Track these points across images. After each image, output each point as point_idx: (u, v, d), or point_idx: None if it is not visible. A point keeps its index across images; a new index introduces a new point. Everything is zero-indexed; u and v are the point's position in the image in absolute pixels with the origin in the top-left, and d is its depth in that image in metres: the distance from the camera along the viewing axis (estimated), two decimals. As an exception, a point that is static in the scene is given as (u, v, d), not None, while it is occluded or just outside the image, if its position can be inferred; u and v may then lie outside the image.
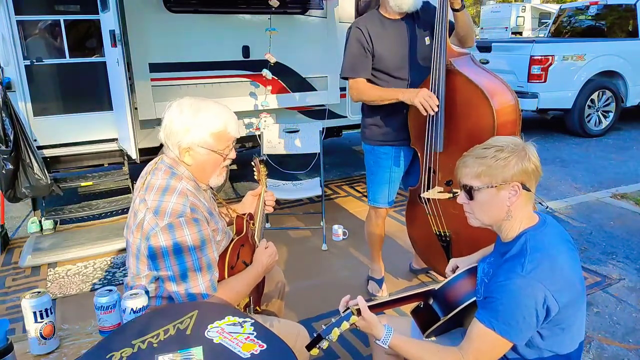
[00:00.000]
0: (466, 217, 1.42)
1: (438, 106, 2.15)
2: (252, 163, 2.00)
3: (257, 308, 1.71)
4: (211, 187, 1.61)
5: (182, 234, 1.37)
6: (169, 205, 1.38)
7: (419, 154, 2.41)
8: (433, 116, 2.19)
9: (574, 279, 1.26)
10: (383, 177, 2.58)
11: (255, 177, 1.97)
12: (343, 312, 1.35)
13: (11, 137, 3.38)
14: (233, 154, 1.55)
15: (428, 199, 2.36)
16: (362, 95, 2.41)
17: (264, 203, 1.91)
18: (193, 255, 1.38)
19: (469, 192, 1.34)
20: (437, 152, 2.24)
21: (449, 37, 2.26)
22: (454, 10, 2.21)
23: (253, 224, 1.77)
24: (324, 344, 1.32)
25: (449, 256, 2.37)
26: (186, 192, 1.43)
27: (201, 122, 1.45)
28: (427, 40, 2.39)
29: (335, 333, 1.32)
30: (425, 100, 2.14)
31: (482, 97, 2.08)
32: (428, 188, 2.36)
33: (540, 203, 4.06)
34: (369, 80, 2.41)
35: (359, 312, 1.35)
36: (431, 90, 2.18)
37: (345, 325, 1.33)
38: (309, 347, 1.34)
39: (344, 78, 2.47)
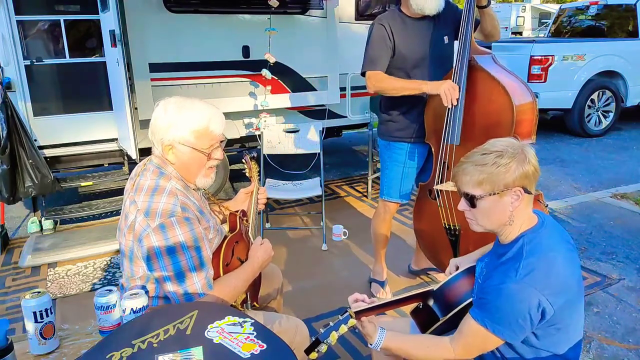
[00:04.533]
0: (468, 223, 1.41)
1: (458, 100, 2.18)
2: (243, 160, 2.00)
3: (255, 304, 1.71)
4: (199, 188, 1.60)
5: (174, 234, 1.36)
6: (160, 205, 1.38)
7: (433, 149, 2.44)
8: (452, 108, 2.23)
9: (570, 281, 1.26)
10: (397, 172, 2.60)
11: (247, 174, 1.97)
12: (341, 316, 1.35)
13: (3, 135, 3.37)
14: (219, 154, 1.53)
15: (440, 192, 2.37)
16: (382, 84, 2.39)
17: (257, 200, 1.91)
18: (187, 254, 1.38)
19: (471, 200, 1.31)
20: (454, 144, 2.26)
21: (474, 32, 2.31)
22: (480, 7, 2.25)
23: (246, 221, 1.77)
24: (323, 348, 1.32)
25: (456, 251, 2.38)
26: (175, 191, 1.43)
27: (183, 119, 1.45)
28: (446, 39, 2.42)
29: (334, 336, 1.32)
30: (449, 90, 2.17)
31: (503, 93, 2.11)
32: (441, 182, 2.37)
33: (538, 200, 4.06)
34: None
35: (357, 315, 1.35)
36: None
37: (344, 328, 1.33)
38: (308, 351, 1.34)
39: (363, 74, 2.47)
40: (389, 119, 2.56)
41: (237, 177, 5.00)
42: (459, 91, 2.19)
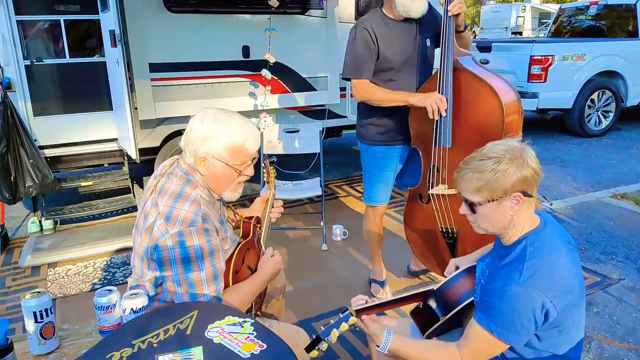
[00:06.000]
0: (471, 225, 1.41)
1: (446, 110, 2.18)
2: (263, 164, 1.99)
3: (258, 312, 1.71)
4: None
5: (191, 243, 1.36)
6: (181, 212, 1.37)
7: (420, 153, 2.42)
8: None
9: (573, 283, 1.26)
10: (380, 176, 2.58)
11: (265, 179, 1.96)
12: (342, 314, 1.35)
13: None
14: (250, 171, 1.52)
15: (435, 196, 2.36)
16: (369, 95, 2.38)
17: (272, 208, 1.90)
18: (200, 265, 1.37)
19: (471, 206, 1.32)
20: (446, 147, 2.25)
21: None
22: (457, 32, 2.26)
23: (260, 228, 1.76)
24: (323, 346, 1.32)
25: (455, 253, 2.37)
26: (199, 200, 1.42)
27: (219, 134, 1.43)
28: (428, 42, 2.41)
29: (335, 334, 1.32)
30: (436, 103, 2.17)
31: (492, 93, 2.11)
32: (432, 186, 2.36)
33: (544, 197, 4.06)
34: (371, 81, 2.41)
35: (357, 313, 1.35)
36: (439, 87, 2.21)
37: (345, 326, 1.33)
38: (308, 349, 1.34)
39: (346, 79, 2.46)
40: (368, 122, 2.52)
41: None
42: (447, 99, 2.18)
